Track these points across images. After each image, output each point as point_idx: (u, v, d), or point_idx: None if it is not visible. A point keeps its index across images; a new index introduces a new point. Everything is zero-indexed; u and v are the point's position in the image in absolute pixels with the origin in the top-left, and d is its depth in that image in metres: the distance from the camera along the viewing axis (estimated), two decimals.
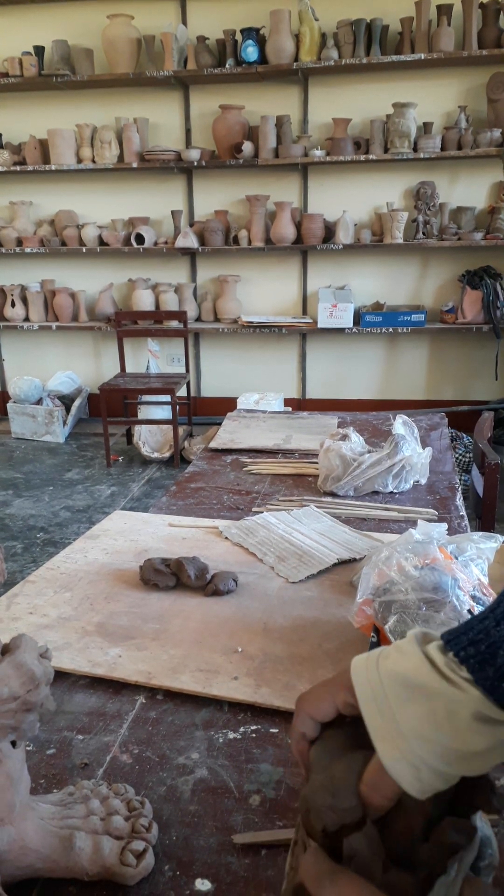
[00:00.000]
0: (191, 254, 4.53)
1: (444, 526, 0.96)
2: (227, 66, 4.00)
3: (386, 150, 4.01)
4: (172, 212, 4.38)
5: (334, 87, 4.13)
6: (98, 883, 0.56)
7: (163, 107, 4.36)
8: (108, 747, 0.71)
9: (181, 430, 4.16)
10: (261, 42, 3.95)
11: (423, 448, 1.48)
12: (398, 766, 0.43)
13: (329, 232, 4.24)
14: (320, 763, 0.48)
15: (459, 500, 1.38)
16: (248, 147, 4.07)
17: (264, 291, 4.56)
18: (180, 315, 4.20)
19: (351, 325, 4.22)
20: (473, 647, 0.43)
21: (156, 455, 4.07)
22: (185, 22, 4.17)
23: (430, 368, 4.52)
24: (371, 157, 3.99)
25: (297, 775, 0.67)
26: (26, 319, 4.69)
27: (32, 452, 4.37)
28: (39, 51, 4.22)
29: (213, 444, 1.74)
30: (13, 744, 0.53)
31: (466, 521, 1.28)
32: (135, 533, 1.24)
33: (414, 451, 1.41)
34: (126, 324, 4.44)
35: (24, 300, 4.66)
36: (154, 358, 4.49)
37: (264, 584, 1.04)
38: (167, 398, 3.96)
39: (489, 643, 0.42)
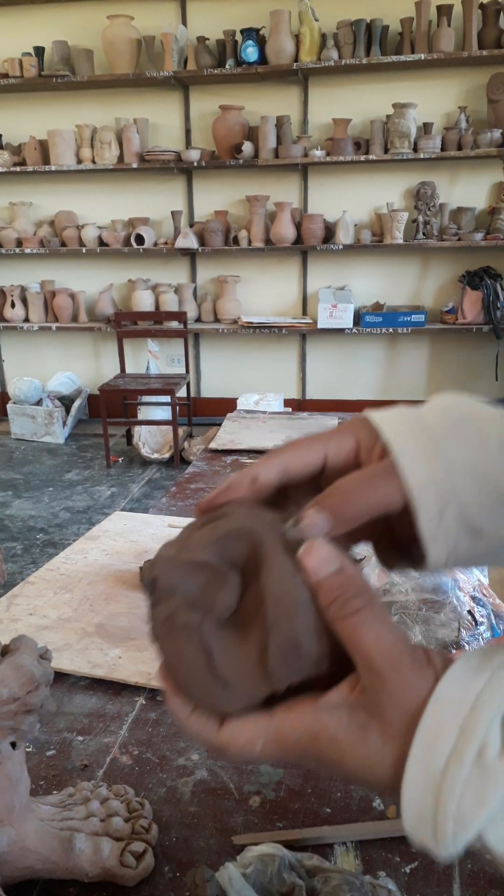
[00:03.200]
0: (191, 254, 4.53)
1: None
2: (227, 66, 4.00)
3: (386, 151, 4.01)
4: (172, 212, 4.39)
5: (334, 87, 4.13)
6: (98, 884, 0.55)
7: (163, 107, 4.36)
8: (108, 748, 0.71)
9: (181, 430, 4.16)
10: (261, 42, 3.95)
11: None
12: (424, 494, 0.33)
13: (329, 232, 4.24)
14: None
15: None
16: (248, 147, 4.07)
17: (264, 292, 4.56)
18: (180, 315, 4.20)
19: (351, 325, 4.22)
20: None
21: (156, 456, 4.06)
22: (185, 22, 4.17)
23: (430, 369, 4.52)
24: (371, 157, 3.99)
25: (298, 776, 0.67)
26: (26, 320, 4.68)
27: (32, 453, 4.37)
28: (39, 51, 4.22)
29: (213, 445, 1.74)
30: (13, 745, 0.53)
31: None
32: (135, 534, 1.24)
33: None
34: (126, 324, 4.44)
35: (24, 301, 4.66)
36: (154, 358, 4.49)
37: None
38: (167, 399, 3.96)
39: None
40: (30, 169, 4.36)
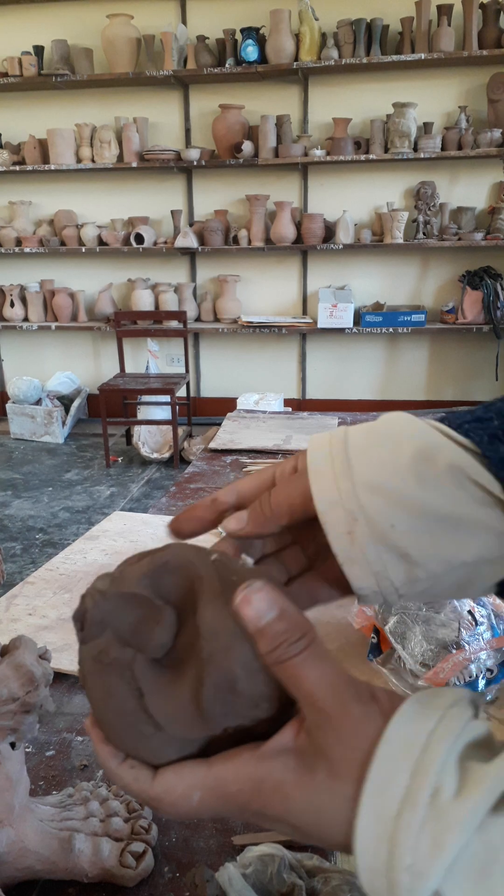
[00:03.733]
0: (190, 254, 4.53)
1: None
2: (226, 65, 4.00)
3: (386, 150, 4.01)
4: (172, 211, 4.38)
5: (334, 86, 4.13)
6: (97, 885, 0.55)
7: (162, 106, 4.36)
8: None
9: (181, 430, 4.15)
10: (261, 42, 3.95)
11: None
12: (331, 511, 0.34)
13: (329, 232, 4.24)
14: None
15: None
16: (247, 147, 4.07)
17: (264, 291, 4.56)
18: (180, 315, 4.20)
19: (351, 325, 4.21)
20: (478, 423, 0.35)
21: (155, 455, 4.06)
22: (184, 21, 4.17)
23: (430, 369, 4.52)
24: (371, 156, 3.99)
25: None
26: (25, 319, 4.68)
27: (31, 453, 4.37)
28: (39, 50, 4.22)
29: (212, 445, 1.74)
30: (12, 745, 0.52)
31: None
32: (134, 534, 1.24)
33: None
34: (125, 324, 4.43)
35: (24, 300, 4.65)
36: (153, 358, 4.49)
37: None
38: (167, 398, 3.96)
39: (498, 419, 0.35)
40: (29, 168, 4.36)
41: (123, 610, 0.31)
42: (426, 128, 3.99)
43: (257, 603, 0.29)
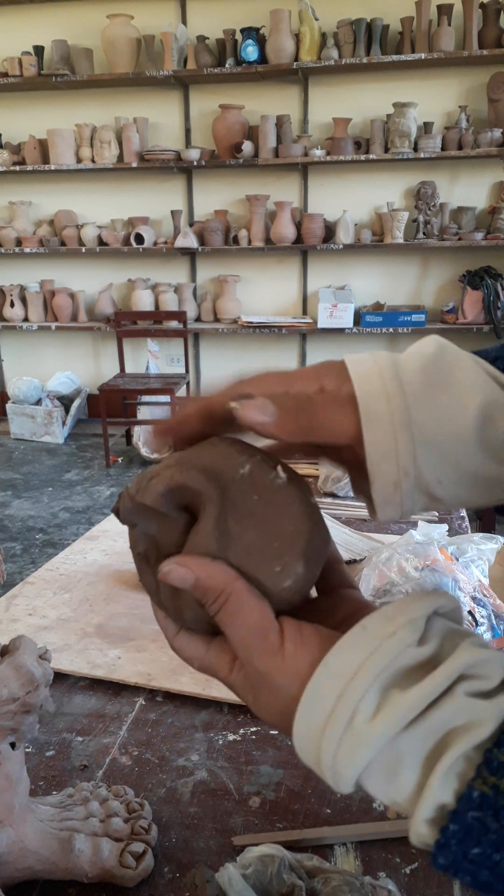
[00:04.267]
0: (190, 254, 4.53)
1: (445, 527, 0.96)
2: (226, 65, 4.00)
3: (386, 150, 4.01)
4: (172, 212, 4.38)
5: (334, 86, 4.13)
6: (97, 885, 0.55)
7: (162, 106, 4.36)
8: (108, 749, 0.71)
9: None
10: (261, 42, 3.95)
11: None
12: (384, 464, 0.33)
13: (329, 232, 4.24)
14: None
15: None
16: (247, 147, 4.07)
17: (264, 291, 4.56)
18: (180, 315, 4.20)
19: (351, 325, 4.21)
20: None
21: (155, 456, 4.06)
22: (184, 22, 4.17)
23: None
24: (371, 156, 3.98)
25: (298, 777, 0.66)
26: (25, 320, 4.68)
27: (31, 453, 4.37)
28: (39, 50, 4.22)
29: None
30: (12, 745, 0.52)
31: (467, 523, 1.28)
32: None
33: None
34: (125, 324, 4.43)
35: (24, 300, 4.65)
36: (153, 358, 4.49)
37: None
38: (167, 399, 3.96)
39: None
40: (29, 168, 4.36)
41: (145, 517, 0.37)
42: (426, 128, 3.99)
43: (174, 576, 0.34)
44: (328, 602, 0.40)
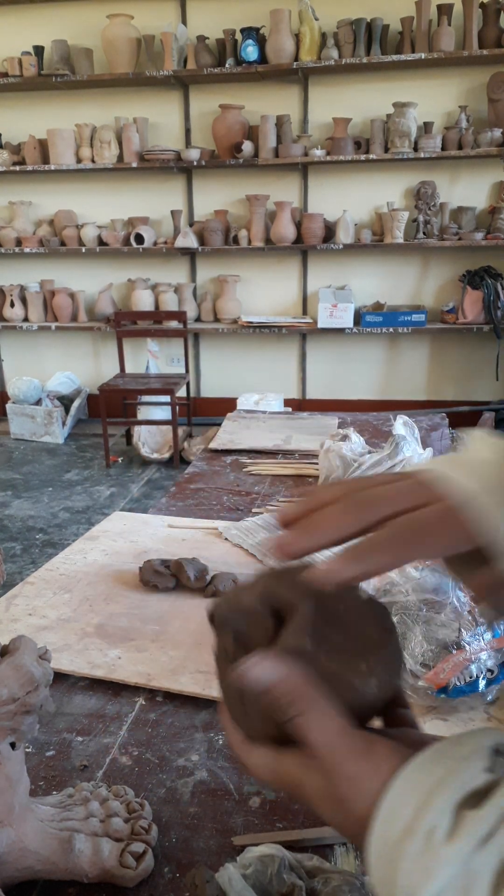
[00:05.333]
0: (190, 254, 4.53)
1: None
2: (226, 65, 4.00)
3: (386, 150, 4.01)
4: (172, 212, 4.38)
5: (334, 86, 4.13)
6: (97, 885, 0.55)
7: (162, 106, 4.36)
8: (108, 749, 0.71)
9: (181, 430, 4.15)
10: (261, 42, 3.95)
11: (424, 449, 1.48)
12: (479, 499, 0.36)
13: (329, 232, 4.24)
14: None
15: None
16: (247, 147, 4.07)
17: (264, 291, 4.56)
18: (180, 315, 4.20)
19: (351, 325, 4.21)
20: None
21: (155, 456, 4.06)
22: (184, 22, 4.17)
23: (430, 369, 4.52)
24: (371, 156, 3.98)
25: None
26: (25, 320, 4.68)
27: (31, 453, 4.37)
28: (39, 51, 4.22)
29: (212, 445, 1.74)
30: (12, 745, 0.52)
31: None
32: (134, 534, 1.24)
33: (415, 452, 1.41)
34: (125, 324, 4.43)
35: (24, 300, 4.65)
36: (153, 358, 4.49)
37: None
38: (167, 399, 3.96)
39: None
40: (29, 168, 4.36)
41: (239, 616, 0.40)
42: (426, 127, 3.99)
43: (258, 669, 0.35)
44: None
